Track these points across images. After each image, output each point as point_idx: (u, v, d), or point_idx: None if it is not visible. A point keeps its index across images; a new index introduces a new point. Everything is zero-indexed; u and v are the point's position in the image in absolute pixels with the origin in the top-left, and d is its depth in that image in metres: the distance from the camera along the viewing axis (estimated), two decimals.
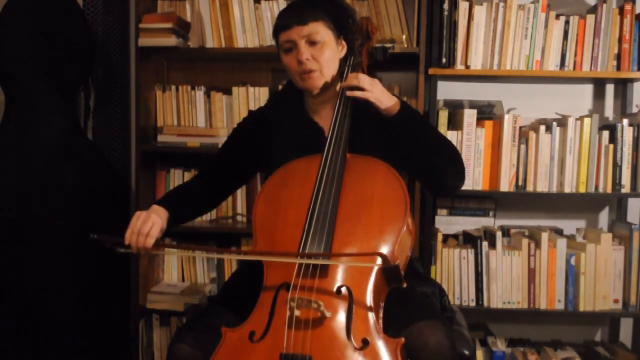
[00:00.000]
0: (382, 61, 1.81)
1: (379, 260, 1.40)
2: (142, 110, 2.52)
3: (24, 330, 2.36)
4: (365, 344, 1.32)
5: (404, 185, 1.51)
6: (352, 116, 1.63)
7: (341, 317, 1.36)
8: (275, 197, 1.56)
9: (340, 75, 1.70)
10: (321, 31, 1.63)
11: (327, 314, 1.33)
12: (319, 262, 1.39)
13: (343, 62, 1.72)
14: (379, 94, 1.59)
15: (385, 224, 1.47)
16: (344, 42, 1.71)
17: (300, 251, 1.42)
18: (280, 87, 2.56)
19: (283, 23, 1.65)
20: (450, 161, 1.63)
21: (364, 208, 1.49)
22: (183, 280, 2.65)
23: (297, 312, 1.32)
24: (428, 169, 1.58)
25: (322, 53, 1.64)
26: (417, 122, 1.64)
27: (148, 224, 1.56)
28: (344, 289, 1.39)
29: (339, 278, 1.40)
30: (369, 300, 1.38)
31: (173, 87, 2.62)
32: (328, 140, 1.58)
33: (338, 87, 1.65)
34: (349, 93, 1.59)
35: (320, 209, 1.47)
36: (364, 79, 1.59)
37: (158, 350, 2.58)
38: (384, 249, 1.43)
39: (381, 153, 1.60)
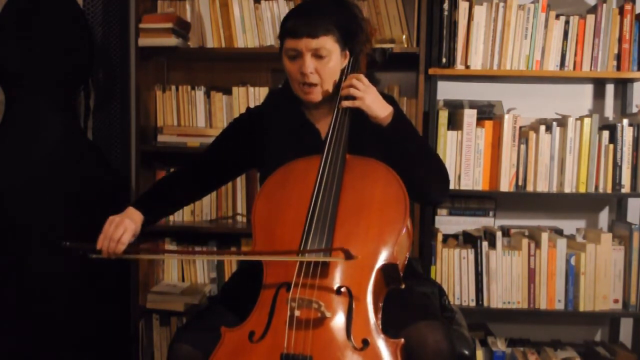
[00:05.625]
0: (380, 63, 1.81)
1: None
2: (142, 110, 2.52)
3: (24, 330, 2.36)
4: (365, 345, 1.32)
5: (404, 187, 1.51)
6: (351, 117, 1.62)
7: (341, 317, 1.36)
8: (274, 197, 1.56)
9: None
10: (329, 46, 1.61)
11: (327, 314, 1.33)
12: (320, 259, 1.39)
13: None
14: (370, 101, 1.59)
15: (384, 225, 1.47)
16: (348, 53, 1.70)
17: (302, 249, 1.42)
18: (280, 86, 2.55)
19: (293, 30, 1.61)
20: (435, 177, 1.64)
21: (364, 209, 1.50)
22: (183, 280, 2.64)
23: (297, 312, 1.32)
24: (412, 180, 1.57)
25: (326, 67, 1.62)
26: (407, 136, 1.64)
27: (120, 229, 1.60)
28: (343, 289, 1.39)
29: (339, 278, 1.40)
30: (369, 300, 1.38)
31: (173, 87, 2.62)
32: (327, 141, 1.58)
33: (332, 89, 1.66)
34: (340, 106, 1.61)
35: (321, 209, 1.47)
36: (358, 84, 1.59)
37: (158, 350, 2.58)
38: (384, 250, 1.43)
39: (380, 154, 1.60)
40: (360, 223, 1.47)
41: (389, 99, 1.68)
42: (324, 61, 1.62)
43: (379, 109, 1.60)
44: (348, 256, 1.37)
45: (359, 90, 1.59)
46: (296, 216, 1.48)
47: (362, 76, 1.62)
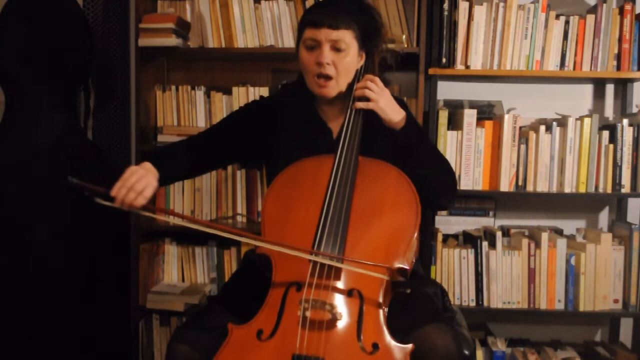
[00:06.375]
0: (392, 66, 1.79)
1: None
2: (142, 110, 2.52)
3: (23, 330, 2.36)
4: (375, 349, 1.32)
5: (415, 191, 1.51)
6: (364, 118, 1.62)
7: (352, 320, 1.35)
8: (285, 195, 1.55)
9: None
10: (348, 40, 1.61)
11: (339, 316, 1.33)
12: (334, 264, 1.39)
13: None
14: (384, 104, 1.59)
15: (396, 229, 1.47)
16: (364, 54, 1.69)
17: (315, 250, 1.42)
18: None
19: (314, 20, 1.61)
20: (444, 183, 1.65)
21: (376, 212, 1.49)
22: (183, 280, 2.64)
23: (308, 313, 1.32)
24: (420, 185, 1.56)
25: (343, 62, 1.62)
26: (419, 141, 1.64)
27: (142, 182, 1.50)
28: (355, 292, 1.39)
29: (350, 280, 1.40)
30: (378, 304, 1.38)
31: (173, 87, 2.62)
32: (341, 141, 1.57)
33: (346, 88, 1.65)
34: (354, 107, 1.60)
35: (335, 210, 1.46)
36: (372, 86, 1.59)
37: (158, 350, 2.58)
38: (395, 254, 1.43)
39: (388, 157, 1.60)
40: (372, 227, 1.47)
41: (400, 102, 1.68)
42: (342, 55, 1.61)
43: (393, 112, 1.60)
44: (403, 275, 1.37)
45: (373, 92, 1.58)
46: (307, 216, 1.48)
47: (376, 78, 1.62)
